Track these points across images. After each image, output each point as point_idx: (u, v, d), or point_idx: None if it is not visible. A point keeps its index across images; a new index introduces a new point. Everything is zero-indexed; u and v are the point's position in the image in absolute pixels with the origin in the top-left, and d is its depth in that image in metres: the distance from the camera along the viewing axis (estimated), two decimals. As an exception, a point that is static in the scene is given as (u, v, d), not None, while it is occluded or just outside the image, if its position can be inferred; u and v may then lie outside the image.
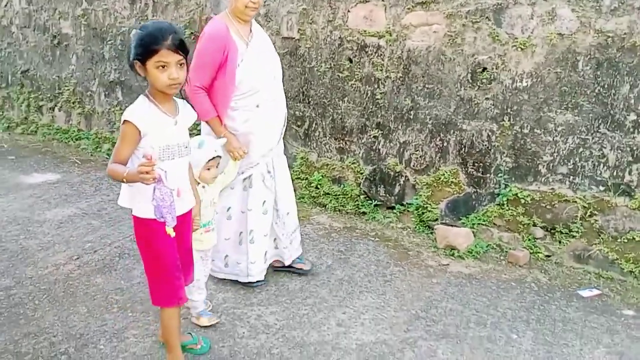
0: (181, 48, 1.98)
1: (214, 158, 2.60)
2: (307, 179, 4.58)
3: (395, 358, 2.59)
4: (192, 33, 5.14)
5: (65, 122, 6.44)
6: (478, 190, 3.87)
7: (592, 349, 2.72)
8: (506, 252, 3.68)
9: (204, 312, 2.79)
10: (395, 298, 3.14)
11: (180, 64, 1.99)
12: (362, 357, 2.58)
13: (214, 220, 2.75)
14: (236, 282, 3.16)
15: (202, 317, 2.76)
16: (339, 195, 4.44)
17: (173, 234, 2.00)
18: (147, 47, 1.94)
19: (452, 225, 3.84)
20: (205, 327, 2.74)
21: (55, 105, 6.49)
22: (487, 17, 3.67)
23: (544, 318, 2.97)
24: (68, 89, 6.26)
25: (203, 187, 2.62)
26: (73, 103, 6.27)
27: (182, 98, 2.24)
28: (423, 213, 4.04)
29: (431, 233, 3.95)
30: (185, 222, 2.24)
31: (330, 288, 3.22)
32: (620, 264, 3.40)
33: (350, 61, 4.28)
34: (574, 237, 3.54)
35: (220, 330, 2.74)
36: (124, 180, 1.92)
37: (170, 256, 2.17)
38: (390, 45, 4.09)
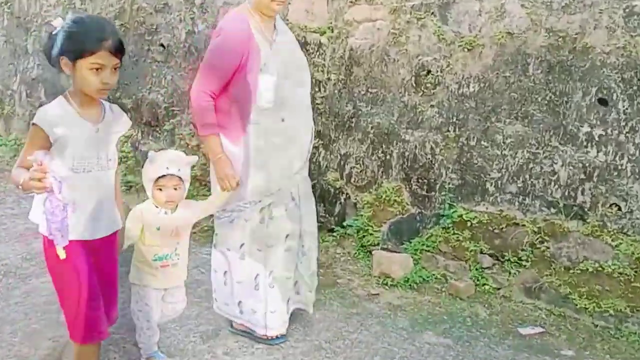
0: (121, 50, 2.16)
1: (164, 176, 2.65)
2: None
3: (275, 390, 2.88)
4: (122, 24, 5.57)
5: (-17, 126, 6.92)
6: (423, 210, 4.17)
7: (509, 390, 2.98)
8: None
9: (157, 354, 2.99)
10: (302, 328, 3.43)
11: (115, 68, 2.17)
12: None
13: (177, 255, 2.78)
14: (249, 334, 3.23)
15: (154, 359, 2.99)
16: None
17: (63, 256, 2.06)
18: (83, 45, 2.09)
19: (391, 251, 4.13)
20: None
21: (-27, 106, 6.97)
22: (432, 13, 4.03)
23: (464, 355, 3.24)
24: (-13, 87, 6.75)
25: (165, 212, 2.72)
26: (-8, 103, 6.75)
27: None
28: (364, 236, 4.35)
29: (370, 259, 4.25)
30: (102, 247, 2.35)
31: (232, 316, 3.52)
32: (574, 299, 3.65)
33: (290, 60, 4.65)
34: (523, 266, 3.81)
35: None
36: (21, 187, 2.04)
37: (83, 282, 2.25)
38: (332, 43, 4.46)
